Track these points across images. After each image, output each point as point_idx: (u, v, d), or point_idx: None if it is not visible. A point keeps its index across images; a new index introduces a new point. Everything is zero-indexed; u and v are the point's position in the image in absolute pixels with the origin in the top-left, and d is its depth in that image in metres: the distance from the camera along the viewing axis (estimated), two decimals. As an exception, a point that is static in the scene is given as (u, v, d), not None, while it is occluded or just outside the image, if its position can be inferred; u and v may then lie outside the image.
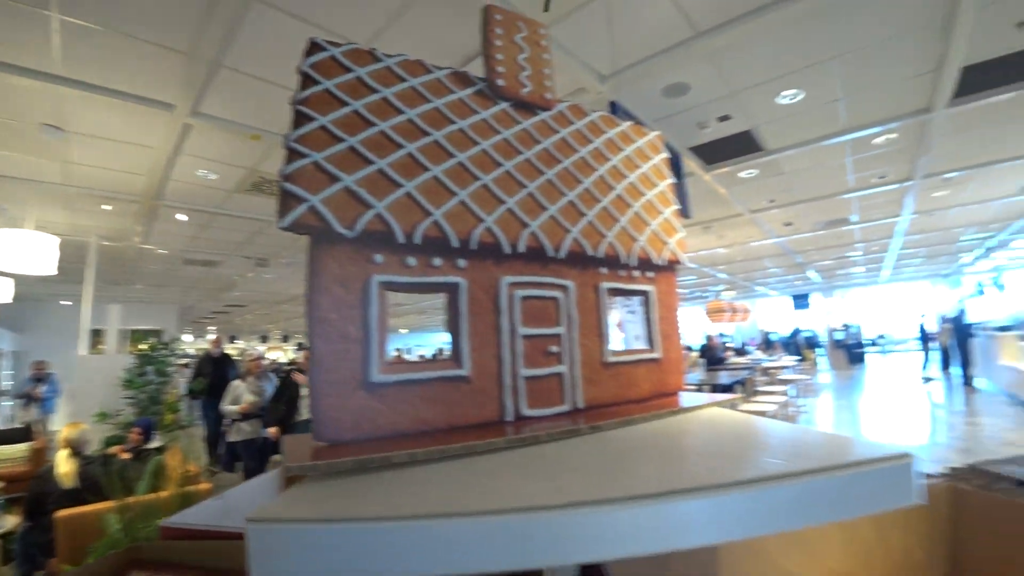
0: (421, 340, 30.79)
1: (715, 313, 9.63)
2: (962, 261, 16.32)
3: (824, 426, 8.24)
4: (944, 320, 13.30)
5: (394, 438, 0.81)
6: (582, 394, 1.01)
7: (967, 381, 11.87)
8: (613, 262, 1.08)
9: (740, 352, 15.55)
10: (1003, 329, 10.90)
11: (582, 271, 1.05)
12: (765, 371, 12.41)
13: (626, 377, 1.08)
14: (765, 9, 3.22)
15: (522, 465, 0.73)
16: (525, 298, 0.96)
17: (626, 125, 1.26)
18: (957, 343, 12.32)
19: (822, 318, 22.67)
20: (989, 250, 14.05)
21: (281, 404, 4.99)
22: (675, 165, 4.86)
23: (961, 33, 3.64)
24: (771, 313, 26.73)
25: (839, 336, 19.24)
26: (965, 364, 11.96)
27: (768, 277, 17.81)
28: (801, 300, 22.04)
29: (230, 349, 17.40)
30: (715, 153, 5.46)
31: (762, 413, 5.88)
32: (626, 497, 0.56)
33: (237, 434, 5.45)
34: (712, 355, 9.28)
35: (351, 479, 0.68)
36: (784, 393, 7.76)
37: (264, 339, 29.65)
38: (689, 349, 16.00)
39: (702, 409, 1.05)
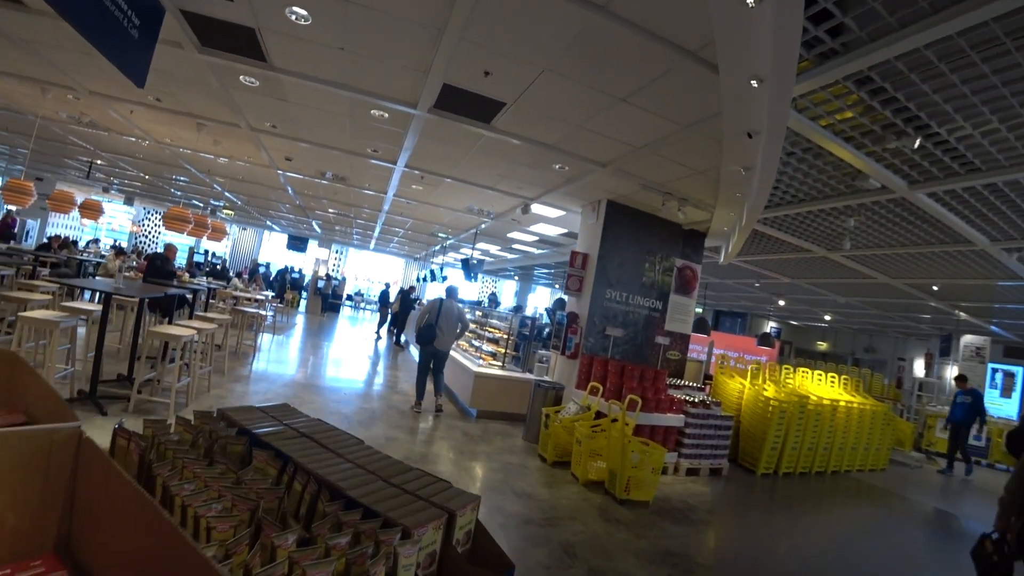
0: None
1: (174, 221, 8.45)
2: (431, 250, 20.27)
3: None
4: (399, 293, 16.10)
5: None
6: None
7: (397, 340, 14.74)
8: None
9: (219, 274, 14.52)
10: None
11: None
12: (235, 299, 11.97)
13: None
14: None
15: None
16: None
17: None
18: (401, 312, 15.18)
19: (313, 265, 24.07)
20: (444, 248, 17.89)
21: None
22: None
23: (445, 51, 4.07)
24: (269, 247, 26.69)
25: (321, 285, 20.80)
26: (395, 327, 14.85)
27: (272, 211, 17.53)
28: (298, 243, 22.74)
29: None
30: (214, 37, 4.61)
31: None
32: None
33: None
34: (159, 267, 8.13)
35: None
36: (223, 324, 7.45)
37: None
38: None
39: None
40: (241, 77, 5.37)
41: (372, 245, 22.51)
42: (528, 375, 7.97)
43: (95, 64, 5.66)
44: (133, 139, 9.31)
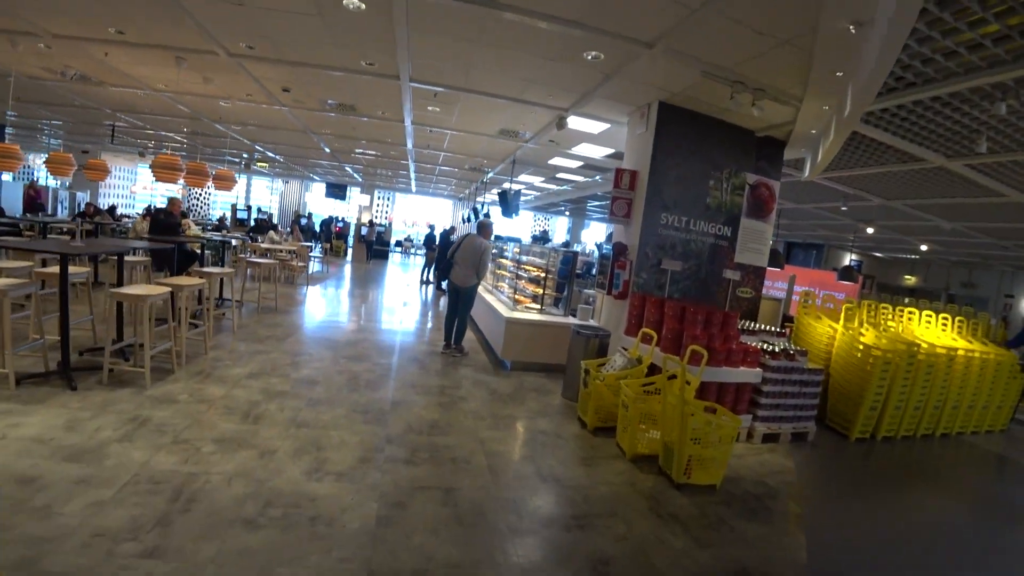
0: None
1: (163, 170, 7.60)
2: (473, 187, 19.06)
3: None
4: (441, 235, 15.19)
5: None
6: None
7: (438, 284, 13.92)
8: None
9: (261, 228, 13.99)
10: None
11: None
12: (264, 252, 11.38)
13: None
14: None
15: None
16: None
17: None
18: (441, 255, 14.25)
19: (356, 212, 23.46)
20: (485, 184, 16.63)
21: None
22: None
23: None
24: (315, 199, 26.27)
25: (365, 232, 20.16)
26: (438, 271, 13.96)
27: (306, 160, 16.72)
28: (337, 190, 21.95)
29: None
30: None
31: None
32: None
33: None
34: (161, 220, 7.45)
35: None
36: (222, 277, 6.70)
37: None
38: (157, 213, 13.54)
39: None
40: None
41: (413, 187, 21.49)
42: (570, 319, 6.84)
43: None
44: (130, 90, 8.54)
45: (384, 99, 7.52)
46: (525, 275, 7.96)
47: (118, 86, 8.39)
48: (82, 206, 16.78)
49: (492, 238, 7.40)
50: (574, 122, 7.17)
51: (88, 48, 6.51)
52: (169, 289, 4.76)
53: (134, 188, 23.77)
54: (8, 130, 15.11)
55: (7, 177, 15.67)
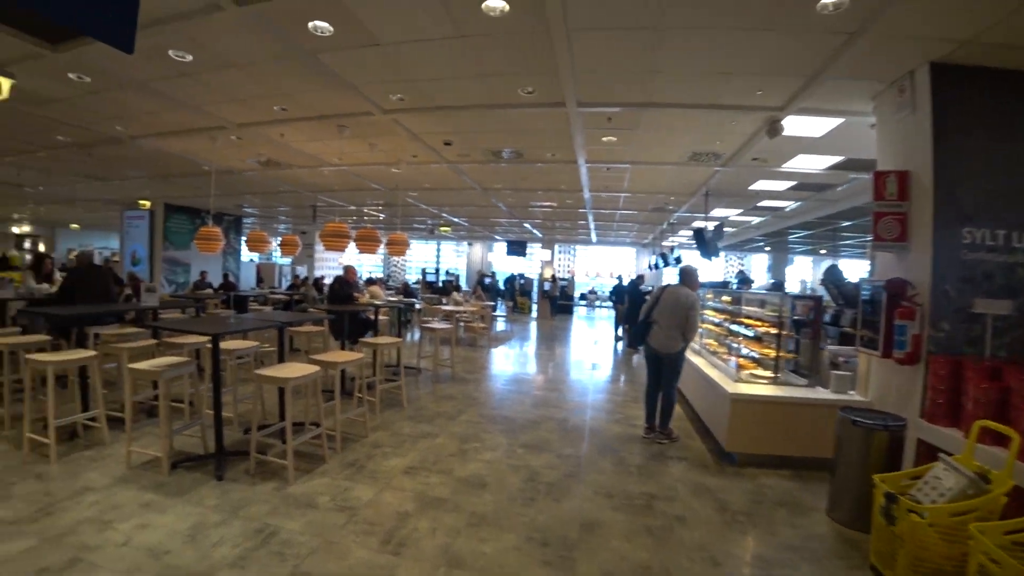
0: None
1: (331, 238, 7.67)
2: (658, 230, 17.46)
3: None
4: (627, 285, 13.82)
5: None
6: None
7: (630, 342, 12.38)
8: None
9: (407, 292, 14.21)
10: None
11: None
12: (447, 315, 11.22)
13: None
14: None
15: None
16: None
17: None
18: (631, 308, 12.76)
19: (538, 268, 23.23)
20: (671, 225, 14.93)
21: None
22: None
23: None
24: (498, 257, 26.87)
25: (548, 287, 19.67)
26: (629, 329, 12.39)
27: (485, 219, 16.87)
28: (518, 247, 21.92)
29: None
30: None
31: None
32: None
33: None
34: (336, 291, 7.45)
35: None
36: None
37: None
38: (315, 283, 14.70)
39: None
40: (310, 26, 3.86)
41: (593, 237, 20.57)
42: (822, 393, 4.90)
43: (219, 89, 5.37)
44: (313, 169, 9.11)
45: (552, 136, 6.61)
46: (746, 331, 6.17)
47: (304, 166, 8.99)
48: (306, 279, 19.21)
49: (698, 289, 5.86)
50: (791, 124, 5.44)
51: (267, 132, 6.88)
52: (315, 369, 4.19)
53: (341, 260, 26.87)
54: (247, 220, 18.12)
55: (245, 258, 18.73)
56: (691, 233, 15.04)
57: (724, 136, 6.25)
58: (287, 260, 22.41)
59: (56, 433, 4.04)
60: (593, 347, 12.86)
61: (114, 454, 4.24)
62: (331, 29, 3.93)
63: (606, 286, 25.14)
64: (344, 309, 6.62)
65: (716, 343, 7.11)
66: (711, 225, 11.08)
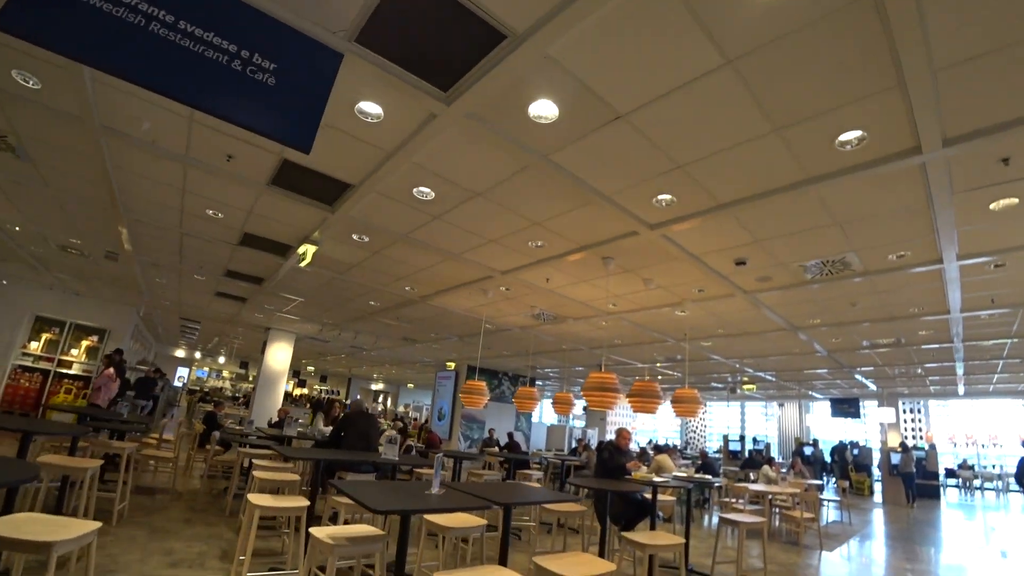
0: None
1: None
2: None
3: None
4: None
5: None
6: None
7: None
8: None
9: (705, 463, 11.44)
10: None
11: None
12: (756, 496, 8.61)
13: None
14: None
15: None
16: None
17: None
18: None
19: (877, 433, 17.66)
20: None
21: None
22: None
23: None
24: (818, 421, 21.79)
25: (897, 460, 14.43)
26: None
27: (799, 370, 13.67)
28: (846, 406, 16.63)
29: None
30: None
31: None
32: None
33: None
34: (605, 460, 5.86)
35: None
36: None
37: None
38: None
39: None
40: (531, 112, 3.17)
41: (960, 387, 14.87)
42: None
43: (469, 224, 5.15)
44: (589, 319, 8.53)
45: (895, 218, 4.32)
46: None
47: (579, 317, 8.45)
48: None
49: None
50: None
51: (531, 277, 6.53)
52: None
53: (634, 424, 25.31)
54: (538, 382, 18.57)
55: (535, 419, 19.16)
56: None
57: None
58: (580, 423, 22.13)
59: None
60: (1002, 560, 8.14)
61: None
62: (555, 111, 3.14)
63: (1008, 458, 17.63)
64: (607, 488, 4.99)
65: None
66: None
